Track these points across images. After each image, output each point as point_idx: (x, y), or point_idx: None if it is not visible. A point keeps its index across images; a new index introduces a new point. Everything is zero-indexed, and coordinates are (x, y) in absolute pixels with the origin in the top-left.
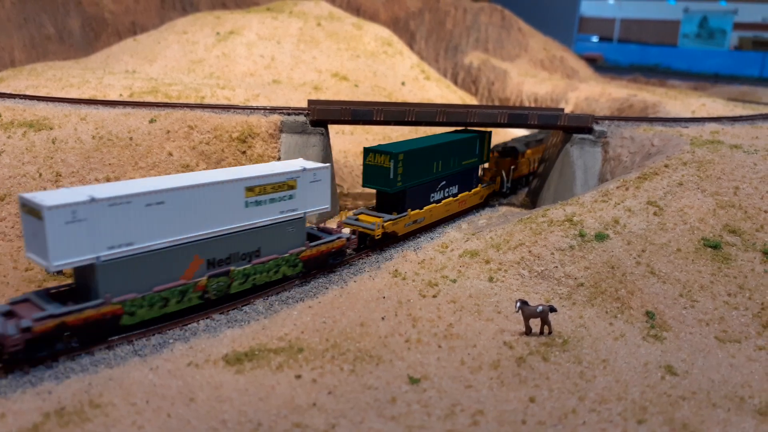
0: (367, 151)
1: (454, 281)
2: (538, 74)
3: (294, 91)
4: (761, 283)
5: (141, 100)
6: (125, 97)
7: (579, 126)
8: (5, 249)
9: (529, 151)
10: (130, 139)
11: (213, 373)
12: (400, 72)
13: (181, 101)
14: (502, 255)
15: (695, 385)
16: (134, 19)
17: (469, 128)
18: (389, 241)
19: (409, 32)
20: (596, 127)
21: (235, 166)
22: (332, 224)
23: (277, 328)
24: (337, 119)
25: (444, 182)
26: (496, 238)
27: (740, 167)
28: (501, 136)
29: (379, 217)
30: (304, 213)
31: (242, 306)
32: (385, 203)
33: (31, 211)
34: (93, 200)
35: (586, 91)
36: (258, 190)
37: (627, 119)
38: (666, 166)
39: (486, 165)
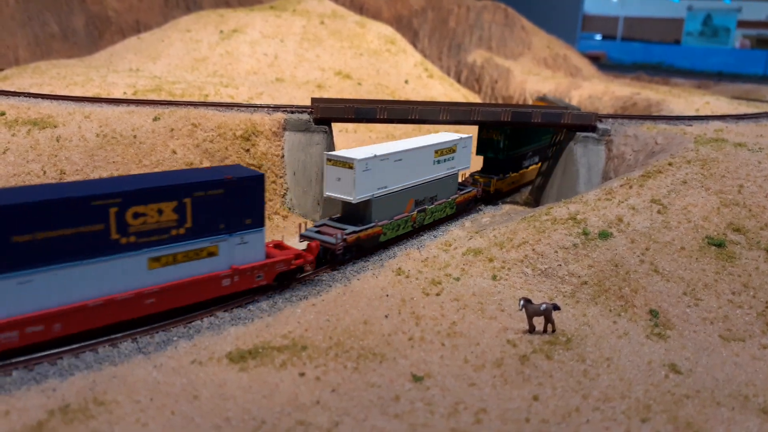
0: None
1: (458, 279)
2: (542, 72)
3: (297, 90)
4: (765, 281)
5: (145, 98)
6: (129, 96)
7: (582, 124)
8: None
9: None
10: (134, 137)
11: (217, 371)
12: (404, 70)
13: (184, 99)
14: (505, 253)
15: (699, 384)
16: (138, 17)
17: (470, 124)
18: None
19: (413, 30)
20: (600, 126)
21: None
22: None
23: (281, 326)
24: (341, 117)
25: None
26: (499, 236)
27: (744, 165)
28: None
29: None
30: (457, 170)
31: (246, 304)
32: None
33: (339, 163)
34: (375, 156)
35: (589, 90)
36: (439, 153)
37: (631, 117)
38: (670, 164)
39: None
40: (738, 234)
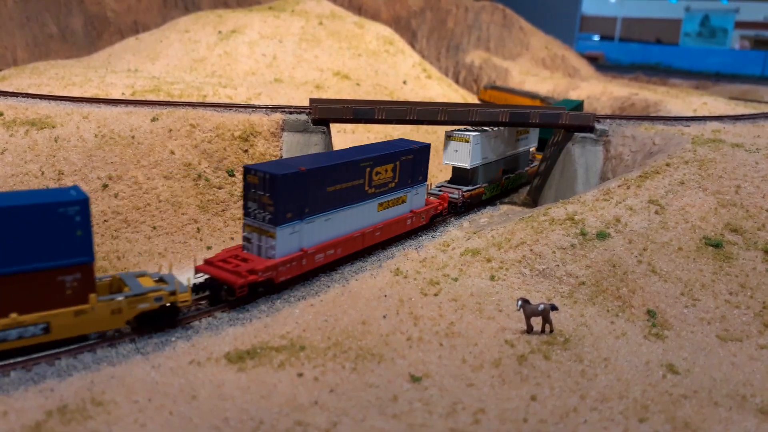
0: (248, 171)
1: (456, 280)
2: (540, 73)
3: (296, 90)
4: (762, 281)
5: (143, 98)
6: (127, 96)
7: (580, 125)
8: None
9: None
10: (132, 137)
11: (215, 371)
12: (402, 71)
13: (183, 100)
14: (503, 253)
15: (697, 384)
16: (136, 17)
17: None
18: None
19: (411, 31)
20: (598, 126)
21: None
22: None
23: (279, 327)
24: (339, 118)
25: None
26: (497, 236)
27: (742, 166)
28: None
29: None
30: (529, 147)
31: (244, 304)
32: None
33: (457, 138)
34: (483, 133)
35: (587, 90)
36: (519, 134)
37: (628, 118)
38: (667, 164)
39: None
40: (735, 234)
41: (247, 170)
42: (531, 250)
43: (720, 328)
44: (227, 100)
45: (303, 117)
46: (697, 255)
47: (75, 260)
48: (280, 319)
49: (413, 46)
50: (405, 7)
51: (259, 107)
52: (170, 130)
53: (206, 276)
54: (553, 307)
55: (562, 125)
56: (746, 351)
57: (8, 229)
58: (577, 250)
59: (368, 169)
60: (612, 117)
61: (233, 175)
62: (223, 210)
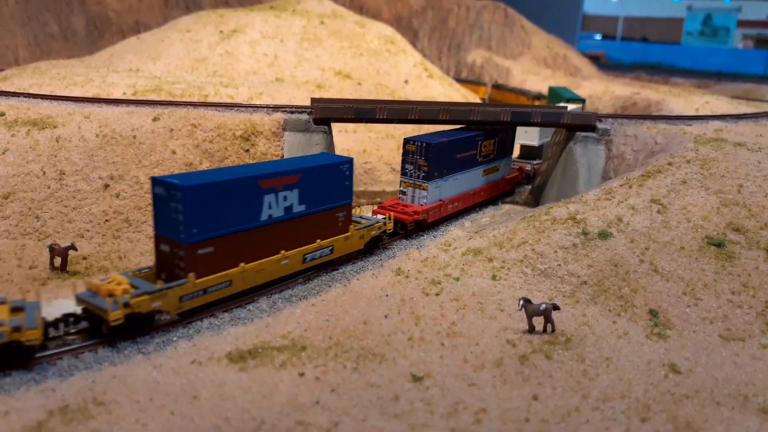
0: (407, 141)
1: (457, 279)
2: (541, 72)
3: (297, 90)
4: (765, 281)
5: (144, 98)
6: (129, 96)
7: (582, 124)
8: (9, 247)
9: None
10: (134, 137)
11: (216, 371)
12: (403, 70)
13: (184, 99)
14: (505, 253)
15: (699, 384)
16: (138, 17)
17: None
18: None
19: (412, 30)
20: (599, 125)
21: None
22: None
23: (281, 326)
24: (340, 117)
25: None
26: (499, 236)
27: (744, 165)
28: None
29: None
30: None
31: (246, 304)
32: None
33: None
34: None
35: (589, 89)
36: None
37: (630, 117)
38: (669, 164)
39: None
40: (738, 234)
41: (407, 141)
42: (533, 249)
43: (722, 327)
44: (228, 100)
45: (304, 116)
46: (699, 254)
47: (345, 202)
48: (281, 319)
49: (415, 46)
50: (406, 7)
51: (261, 107)
52: (171, 130)
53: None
54: (555, 307)
55: (563, 124)
56: (748, 350)
57: (318, 181)
58: (578, 249)
59: (480, 142)
60: (614, 116)
61: None
62: None
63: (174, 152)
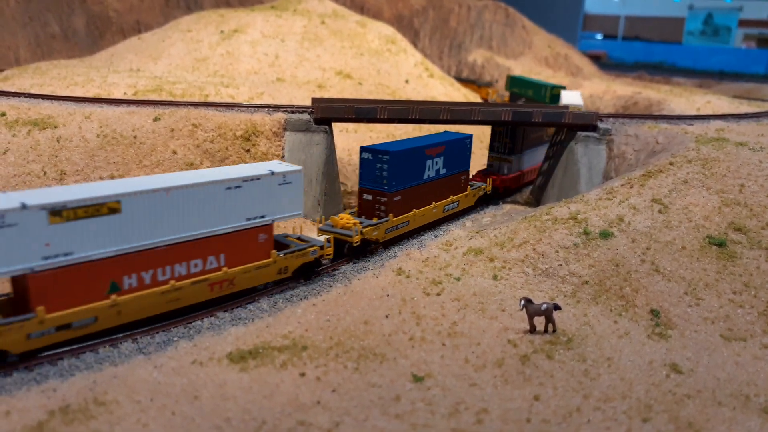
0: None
1: (458, 279)
2: (543, 72)
3: (298, 89)
4: (767, 281)
5: (145, 98)
6: (129, 96)
7: (583, 124)
8: None
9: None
10: (135, 137)
11: (217, 371)
12: (404, 70)
13: (185, 100)
14: (506, 253)
15: (700, 384)
16: (138, 17)
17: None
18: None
19: (413, 30)
20: (601, 125)
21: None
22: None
23: (281, 326)
24: (341, 117)
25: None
26: (500, 236)
27: (746, 165)
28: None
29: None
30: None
31: (246, 304)
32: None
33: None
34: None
35: (590, 89)
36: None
37: (632, 117)
38: (671, 163)
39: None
40: (739, 233)
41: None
42: (534, 249)
43: (724, 327)
44: (229, 100)
45: (305, 116)
46: (700, 254)
47: (465, 168)
48: (282, 319)
49: (415, 45)
50: (407, 6)
51: (262, 107)
52: (172, 130)
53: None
54: (556, 307)
55: (565, 124)
56: (750, 350)
57: (454, 151)
58: (580, 249)
59: (537, 130)
60: (615, 116)
61: None
62: None
63: (175, 152)
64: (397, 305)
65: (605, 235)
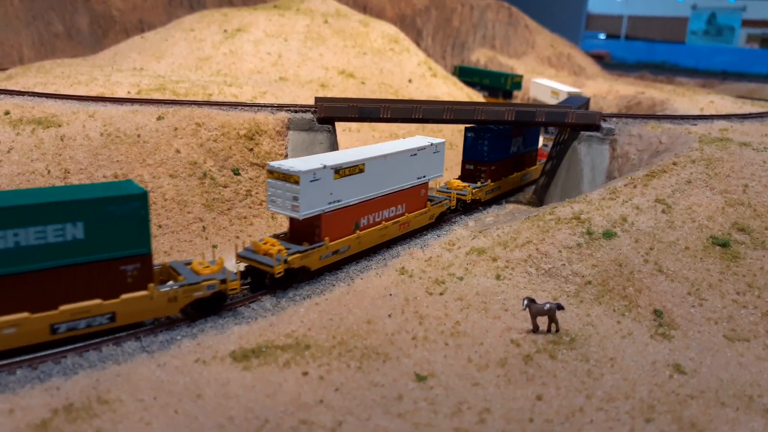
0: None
1: (461, 279)
2: (545, 71)
3: (301, 89)
4: None
5: (149, 97)
6: (133, 95)
7: (587, 123)
8: None
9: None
10: (138, 136)
11: (220, 370)
12: (407, 69)
13: (188, 98)
14: (509, 253)
15: (704, 384)
16: (142, 16)
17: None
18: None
19: (416, 29)
20: (604, 125)
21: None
22: None
23: (284, 325)
24: (344, 117)
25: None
26: (503, 235)
27: (749, 165)
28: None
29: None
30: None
31: (250, 303)
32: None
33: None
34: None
35: (593, 88)
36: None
37: (635, 117)
38: (674, 163)
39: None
40: (743, 234)
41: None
42: (537, 249)
43: (727, 327)
44: (232, 99)
45: (308, 116)
46: (704, 254)
47: (535, 147)
48: (285, 318)
49: (418, 45)
50: (410, 6)
51: (265, 106)
52: (176, 129)
53: None
54: (559, 307)
55: (568, 124)
56: (754, 351)
57: (528, 134)
58: (583, 249)
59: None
60: (618, 116)
61: (238, 174)
62: (229, 208)
63: (178, 151)
64: (400, 304)
65: (608, 235)
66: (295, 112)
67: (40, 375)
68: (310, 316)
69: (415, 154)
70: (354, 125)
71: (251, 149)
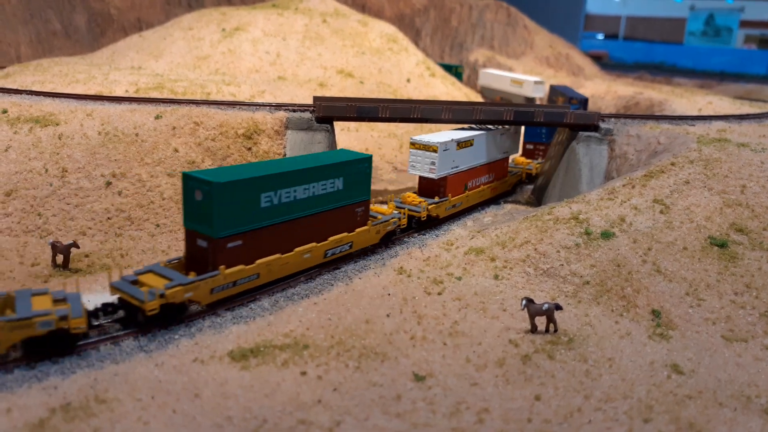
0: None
1: (460, 279)
2: (544, 72)
3: (299, 88)
4: None
5: (147, 96)
6: (131, 93)
7: (585, 123)
8: (12, 244)
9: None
10: (136, 135)
11: (218, 370)
12: (406, 69)
13: (186, 97)
14: (507, 253)
15: (701, 384)
16: (140, 15)
17: None
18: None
19: (415, 29)
20: (602, 125)
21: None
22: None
23: (283, 325)
24: (343, 116)
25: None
26: (501, 235)
27: (747, 165)
28: None
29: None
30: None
31: (248, 302)
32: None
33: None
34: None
35: (591, 89)
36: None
37: (633, 117)
38: (672, 164)
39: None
40: (741, 234)
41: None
42: (535, 249)
43: (725, 328)
44: (231, 98)
45: (307, 115)
46: (702, 255)
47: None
48: (283, 318)
49: (417, 45)
50: (409, 5)
51: (263, 105)
52: (174, 128)
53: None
54: (558, 307)
55: (566, 124)
56: (751, 351)
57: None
58: (581, 249)
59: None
60: (617, 116)
61: None
62: None
63: (176, 150)
64: (398, 304)
65: (607, 235)
66: (294, 111)
67: (38, 374)
68: (308, 316)
69: (503, 134)
70: (352, 125)
71: (249, 148)
